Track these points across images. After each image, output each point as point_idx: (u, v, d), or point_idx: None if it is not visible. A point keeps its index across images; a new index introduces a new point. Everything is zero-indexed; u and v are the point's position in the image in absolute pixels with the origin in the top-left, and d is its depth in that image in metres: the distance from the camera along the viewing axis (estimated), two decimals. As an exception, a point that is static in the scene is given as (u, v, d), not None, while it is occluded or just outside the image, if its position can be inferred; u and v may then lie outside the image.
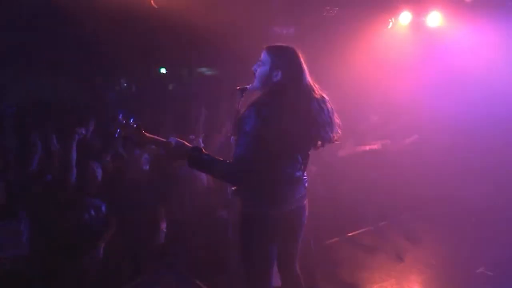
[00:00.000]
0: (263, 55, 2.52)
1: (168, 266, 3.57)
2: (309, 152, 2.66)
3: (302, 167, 2.62)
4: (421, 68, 6.56)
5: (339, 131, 2.60)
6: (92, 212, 3.98)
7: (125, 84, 10.94)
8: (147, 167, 4.41)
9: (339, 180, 5.60)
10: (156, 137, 2.57)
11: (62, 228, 3.77)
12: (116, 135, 2.51)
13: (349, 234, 5.14)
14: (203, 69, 12.09)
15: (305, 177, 2.67)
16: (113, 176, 4.43)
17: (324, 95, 2.55)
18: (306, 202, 2.67)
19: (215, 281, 3.76)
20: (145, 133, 2.54)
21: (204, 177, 4.71)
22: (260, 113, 2.32)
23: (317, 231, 4.37)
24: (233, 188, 2.67)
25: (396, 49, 6.63)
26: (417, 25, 6.73)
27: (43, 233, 3.65)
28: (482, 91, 6.05)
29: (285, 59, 2.48)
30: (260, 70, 2.51)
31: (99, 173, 4.10)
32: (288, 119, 2.36)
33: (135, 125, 2.49)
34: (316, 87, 2.52)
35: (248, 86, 2.59)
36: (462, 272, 4.29)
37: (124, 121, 2.48)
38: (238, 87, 2.65)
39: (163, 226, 4.19)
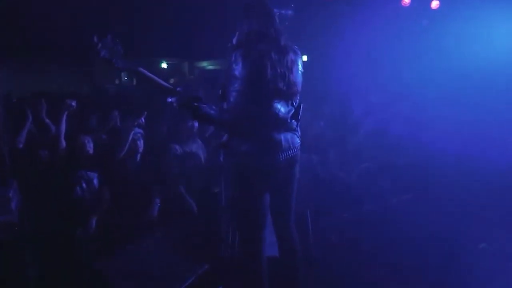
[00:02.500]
0: (240, 13, 2.63)
1: (160, 236, 3.51)
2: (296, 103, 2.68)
3: (298, 115, 2.66)
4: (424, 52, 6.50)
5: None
6: (84, 185, 3.96)
7: (126, 78, 11.03)
8: (141, 142, 4.34)
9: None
10: (153, 76, 2.51)
11: (53, 199, 3.75)
12: (101, 56, 2.34)
13: (347, 215, 5.05)
14: (204, 64, 12.14)
15: (297, 128, 2.68)
16: (107, 151, 4.41)
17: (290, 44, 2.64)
18: (298, 153, 2.68)
19: (207, 251, 3.70)
20: (134, 63, 2.47)
21: (201, 154, 4.67)
22: (246, 56, 2.40)
23: (315, 206, 4.34)
24: (221, 143, 2.66)
25: (400, 31, 6.56)
26: (421, 7, 6.66)
27: (33, 204, 3.62)
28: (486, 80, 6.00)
29: (257, 10, 2.59)
30: (240, 25, 2.61)
31: (90, 146, 4.08)
32: (269, 62, 2.44)
33: (122, 51, 2.39)
34: (284, 36, 2.60)
35: (233, 41, 2.65)
36: (464, 247, 4.18)
37: (112, 43, 2.36)
38: (228, 45, 2.67)
39: (157, 200, 4.15)
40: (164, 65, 11.77)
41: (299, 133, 2.73)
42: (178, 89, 2.53)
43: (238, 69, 2.39)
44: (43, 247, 3.49)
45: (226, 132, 2.66)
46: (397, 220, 4.87)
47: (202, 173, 4.61)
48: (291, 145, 2.60)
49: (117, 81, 11.43)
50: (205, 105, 2.45)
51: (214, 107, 2.47)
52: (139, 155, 4.27)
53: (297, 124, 2.70)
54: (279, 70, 2.48)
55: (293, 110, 2.64)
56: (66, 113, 3.97)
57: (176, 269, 3.31)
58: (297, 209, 3.75)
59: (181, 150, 4.56)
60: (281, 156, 2.54)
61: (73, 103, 3.97)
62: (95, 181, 4.04)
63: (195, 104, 2.45)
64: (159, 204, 4.11)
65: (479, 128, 5.75)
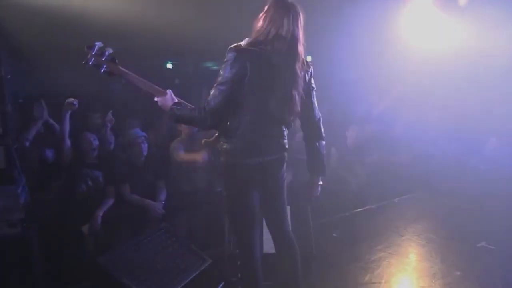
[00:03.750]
0: (266, 8, 2.51)
1: (165, 231, 3.57)
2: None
3: (287, 119, 2.58)
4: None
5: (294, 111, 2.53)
6: (89, 182, 4.05)
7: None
8: (145, 146, 4.37)
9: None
10: (140, 78, 2.57)
11: (59, 196, 3.84)
12: (90, 63, 2.47)
13: (349, 213, 5.12)
14: (209, 64, 12.16)
15: (284, 136, 2.63)
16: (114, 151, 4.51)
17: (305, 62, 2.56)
18: (283, 157, 2.63)
19: (210, 247, 3.78)
20: (121, 68, 2.54)
21: (205, 154, 4.72)
22: (239, 57, 2.37)
23: (318, 204, 4.38)
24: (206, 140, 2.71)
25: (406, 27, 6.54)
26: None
27: (41, 200, 3.70)
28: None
29: (284, 14, 2.45)
30: (260, 21, 2.51)
31: (96, 144, 4.15)
32: (264, 68, 2.40)
33: (110, 57, 2.50)
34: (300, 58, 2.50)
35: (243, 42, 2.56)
36: (463, 246, 4.23)
37: (100, 51, 2.48)
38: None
39: (162, 197, 4.22)
40: (169, 65, 11.79)
41: (285, 137, 2.64)
42: (167, 90, 2.57)
43: (226, 67, 2.37)
44: (51, 243, 3.57)
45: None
46: (399, 218, 4.96)
47: (206, 172, 4.68)
48: (274, 148, 2.57)
49: (123, 81, 11.44)
50: (181, 107, 2.50)
51: (190, 107, 2.50)
52: (143, 158, 4.31)
53: (285, 128, 2.63)
54: (266, 79, 2.43)
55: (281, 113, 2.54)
56: (69, 112, 4.01)
57: (179, 265, 3.36)
58: (299, 206, 3.86)
59: (182, 150, 4.60)
60: (262, 159, 2.51)
61: (75, 102, 4.00)
62: (101, 179, 4.12)
63: (173, 106, 2.50)
64: (163, 202, 4.18)
65: (480, 127, 5.81)
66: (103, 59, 2.51)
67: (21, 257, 3.32)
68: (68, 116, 4.00)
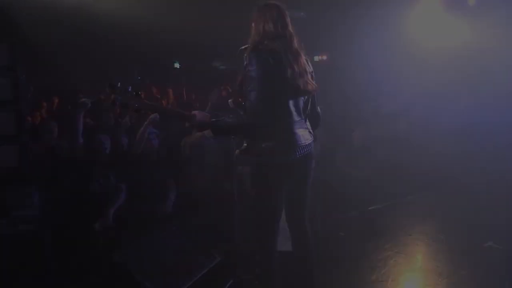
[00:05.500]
0: (254, 14, 2.69)
1: (175, 229, 3.63)
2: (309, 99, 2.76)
3: (306, 112, 2.74)
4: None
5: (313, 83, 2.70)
6: (101, 181, 4.11)
7: (139, 78, 11.14)
8: (156, 142, 4.45)
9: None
10: (168, 107, 2.64)
11: (71, 194, 3.90)
12: (117, 103, 2.50)
13: (356, 212, 5.14)
14: (217, 64, 12.24)
15: (307, 124, 2.78)
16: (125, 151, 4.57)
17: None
18: (312, 149, 2.75)
19: (219, 245, 3.82)
20: (147, 101, 2.59)
21: (214, 150, 4.76)
22: (260, 56, 2.49)
23: (326, 204, 4.43)
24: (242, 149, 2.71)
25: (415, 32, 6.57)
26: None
27: (54, 198, 3.77)
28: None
29: (272, 12, 2.64)
30: (254, 26, 2.67)
31: (107, 145, 4.22)
32: (284, 61, 2.53)
33: (134, 93, 2.51)
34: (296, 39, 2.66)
35: (248, 42, 2.69)
36: (470, 246, 4.23)
37: (123, 89, 2.50)
38: (241, 47, 2.73)
39: (172, 196, 4.27)
40: (176, 65, 11.89)
41: (311, 129, 2.81)
42: (194, 112, 2.64)
43: (254, 70, 2.48)
44: (63, 239, 3.64)
45: (247, 136, 2.69)
46: (406, 217, 4.98)
47: (216, 168, 4.73)
48: (307, 142, 2.68)
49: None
50: (221, 118, 2.56)
51: (231, 116, 2.58)
52: (155, 154, 4.37)
53: (306, 120, 2.77)
54: (296, 69, 2.57)
55: (304, 107, 2.73)
56: (82, 112, 4.07)
57: (189, 262, 3.41)
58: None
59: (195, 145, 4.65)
60: (298, 153, 2.63)
61: (88, 102, 4.06)
62: (112, 177, 4.18)
63: (213, 120, 2.57)
64: (173, 200, 4.23)
65: (486, 129, 5.81)
66: (129, 96, 2.53)
67: (35, 254, 3.39)
68: (81, 116, 4.05)
